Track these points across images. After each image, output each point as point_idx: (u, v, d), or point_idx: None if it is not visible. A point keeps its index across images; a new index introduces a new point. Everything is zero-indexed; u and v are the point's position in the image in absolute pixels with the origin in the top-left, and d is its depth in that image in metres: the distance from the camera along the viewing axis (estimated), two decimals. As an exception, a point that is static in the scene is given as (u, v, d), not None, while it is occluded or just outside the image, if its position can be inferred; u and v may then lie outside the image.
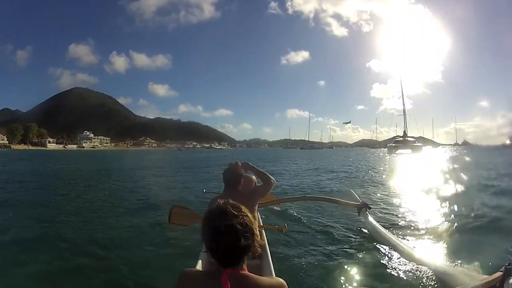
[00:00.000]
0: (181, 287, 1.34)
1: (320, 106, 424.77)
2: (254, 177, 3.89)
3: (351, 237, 5.33)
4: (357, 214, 6.06)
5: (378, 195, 9.89)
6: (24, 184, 13.35)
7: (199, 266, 2.61)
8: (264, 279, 1.32)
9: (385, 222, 6.13)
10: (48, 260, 4.42)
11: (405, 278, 3.73)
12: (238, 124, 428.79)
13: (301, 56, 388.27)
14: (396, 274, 3.83)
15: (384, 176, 16.54)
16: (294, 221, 6.31)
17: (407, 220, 6.45)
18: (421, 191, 10.08)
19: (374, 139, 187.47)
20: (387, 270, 3.95)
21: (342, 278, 3.72)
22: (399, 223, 6.23)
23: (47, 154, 67.57)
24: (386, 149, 71.29)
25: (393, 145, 62.45)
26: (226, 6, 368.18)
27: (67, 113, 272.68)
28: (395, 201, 8.66)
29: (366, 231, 5.44)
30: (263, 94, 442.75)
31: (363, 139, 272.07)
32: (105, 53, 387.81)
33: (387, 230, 5.12)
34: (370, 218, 5.63)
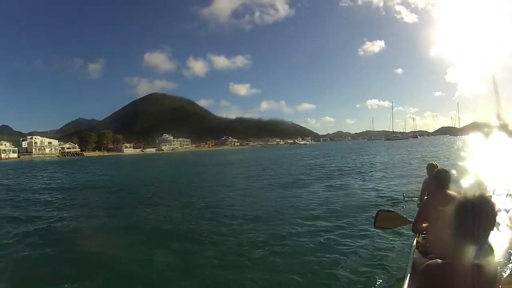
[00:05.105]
0: (429, 276, 1.52)
1: (399, 95, 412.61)
2: None
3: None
4: None
5: None
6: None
7: (410, 262, 3.05)
8: (486, 260, 1.47)
9: None
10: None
11: None
12: (320, 117, 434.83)
13: (377, 45, 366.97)
14: None
15: None
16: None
17: None
18: None
19: (454, 126, 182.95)
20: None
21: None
22: None
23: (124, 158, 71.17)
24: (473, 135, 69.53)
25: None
26: (299, 3, 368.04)
27: (145, 119, 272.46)
28: None
29: None
30: (343, 86, 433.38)
31: (443, 127, 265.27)
32: (182, 59, 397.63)
33: None
34: None
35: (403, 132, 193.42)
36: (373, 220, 4.10)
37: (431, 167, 4.62)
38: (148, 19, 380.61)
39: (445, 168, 3.51)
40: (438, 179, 3.33)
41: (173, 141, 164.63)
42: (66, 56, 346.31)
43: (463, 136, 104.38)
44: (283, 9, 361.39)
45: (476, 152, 28.65)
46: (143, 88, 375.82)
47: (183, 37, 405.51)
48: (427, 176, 4.86)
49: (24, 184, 20.91)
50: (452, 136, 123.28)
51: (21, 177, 26.33)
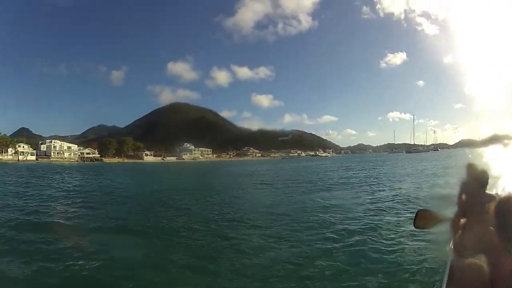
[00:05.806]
0: (468, 275, 1.53)
1: (420, 107, 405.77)
2: None
3: None
4: None
5: None
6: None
7: (448, 263, 3.05)
8: None
9: None
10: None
11: None
12: (342, 130, 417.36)
13: (398, 57, 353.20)
14: None
15: None
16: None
17: None
18: None
19: (474, 138, 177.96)
20: None
21: None
22: None
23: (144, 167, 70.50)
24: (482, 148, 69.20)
25: None
26: (322, 15, 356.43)
27: (166, 128, 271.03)
28: None
29: None
30: (365, 99, 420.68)
31: (463, 139, 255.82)
32: (206, 69, 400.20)
33: None
34: None
35: (424, 144, 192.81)
36: (413, 220, 4.16)
37: (470, 167, 4.38)
38: (172, 28, 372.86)
39: (484, 169, 3.55)
40: (478, 179, 3.37)
41: (194, 150, 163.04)
42: (89, 62, 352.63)
43: (481, 148, 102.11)
44: (306, 21, 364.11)
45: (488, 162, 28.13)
46: (166, 97, 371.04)
47: (207, 47, 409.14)
48: (465, 176, 4.45)
49: (37, 184, 21.96)
50: (469, 149, 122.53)
51: (33, 179, 27.15)
